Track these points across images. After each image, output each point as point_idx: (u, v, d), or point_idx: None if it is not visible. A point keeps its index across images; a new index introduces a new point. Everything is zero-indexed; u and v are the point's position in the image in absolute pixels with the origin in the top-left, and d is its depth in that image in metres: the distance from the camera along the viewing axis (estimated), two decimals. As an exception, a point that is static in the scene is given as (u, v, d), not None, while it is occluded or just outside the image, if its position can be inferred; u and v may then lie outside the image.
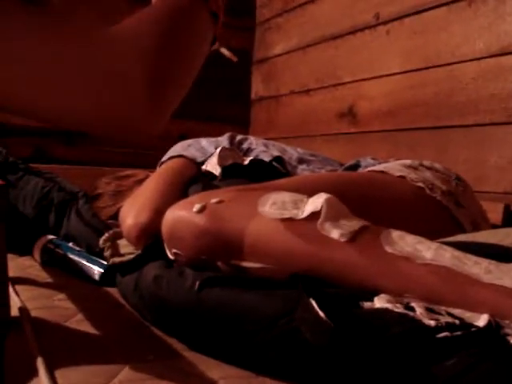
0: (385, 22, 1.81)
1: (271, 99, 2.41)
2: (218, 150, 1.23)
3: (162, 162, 1.34)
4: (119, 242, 1.18)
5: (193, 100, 2.39)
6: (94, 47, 0.63)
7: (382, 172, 1.04)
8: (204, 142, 1.38)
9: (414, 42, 1.69)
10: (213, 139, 1.39)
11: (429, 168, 1.07)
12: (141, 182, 1.38)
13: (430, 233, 0.80)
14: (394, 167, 1.05)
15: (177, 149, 1.36)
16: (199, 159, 1.29)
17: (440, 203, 0.99)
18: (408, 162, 1.09)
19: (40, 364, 0.71)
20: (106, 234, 1.19)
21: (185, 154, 1.31)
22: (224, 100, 2.44)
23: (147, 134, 0.72)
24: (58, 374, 0.68)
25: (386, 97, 1.79)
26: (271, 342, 0.69)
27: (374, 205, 0.92)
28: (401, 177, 1.02)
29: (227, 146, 1.31)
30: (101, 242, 1.19)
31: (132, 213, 1.12)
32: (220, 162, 1.19)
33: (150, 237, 1.05)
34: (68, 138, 2.15)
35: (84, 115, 0.65)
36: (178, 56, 0.72)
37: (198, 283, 0.77)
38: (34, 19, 0.61)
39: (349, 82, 1.96)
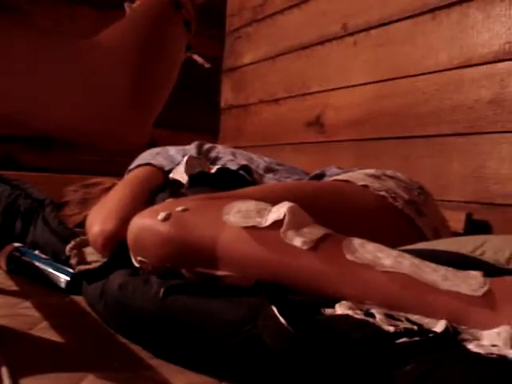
0: (352, 33, 1.84)
1: (240, 108, 2.42)
2: (186, 158, 1.24)
3: (130, 170, 1.34)
4: (85, 249, 1.18)
5: (163, 108, 2.39)
6: (78, 59, 0.64)
7: (345, 181, 1.06)
8: (172, 150, 1.39)
9: (380, 54, 1.72)
10: (180, 148, 1.40)
11: (391, 177, 1.09)
12: (108, 190, 1.38)
13: (393, 241, 0.82)
14: (358, 176, 1.07)
15: (145, 156, 1.36)
16: (167, 167, 1.30)
17: (402, 212, 1.01)
18: (371, 171, 1.11)
19: (4, 373, 0.70)
20: (73, 242, 1.19)
21: (153, 162, 1.32)
22: (194, 108, 2.45)
23: (134, 143, 0.72)
24: (23, 382, 0.68)
25: (353, 107, 1.82)
26: (235, 348, 0.70)
27: (337, 213, 0.94)
28: (364, 186, 1.03)
29: (195, 154, 1.32)
30: (67, 249, 1.19)
31: (98, 220, 1.12)
32: (187, 171, 1.20)
33: (116, 245, 1.05)
34: (37, 144, 2.13)
35: (70, 125, 0.66)
36: (158, 65, 0.73)
37: (162, 290, 0.78)
38: (19, 32, 0.62)
39: (317, 92, 1.99)
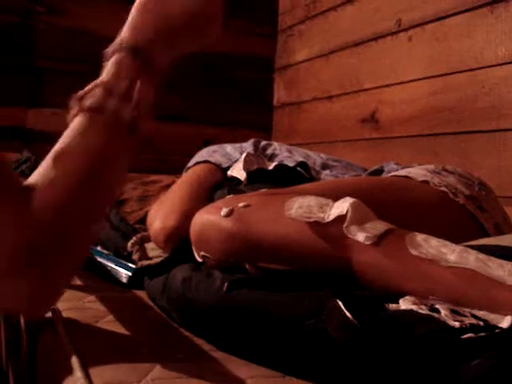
0: (406, 29, 1.82)
1: (293, 105, 2.42)
2: (244, 155, 1.25)
3: (188, 168, 1.37)
4: (147, 245, 1.21)
5: (216, 106, 2.42)
6: None
7: (405, 177, 1.05)
8: (229, 147, 1.40)
9: (436, 49, 1.70)
10: (237, 145, 1.42)
11: (452, 172, 1.08)
12: (167, 187, 1.41)
13: (454, 237, 0.81)
14: (418, 172, 1.06)
15: (202, 154, 1.38)
16: (224, 165, 1.31)
17: (463, 207, 1.00)
18: (431, 166, 1.10)
19: (75, 362, 0.73)
20: (134, 238, 1.22)
21: (210, 159, 1.34)
22: (247, 107, 2.47)
23: (32, 312, 0.64)
24: (92, 372, 0.70)
25: (409, 103, 1.80)
26: (299, 342, 0.70)
27: (397, 209, 0.94)
28: (424, 181, 1.03)
29: (252, 151, 1.33)
30: (129, 245, 1.22)
31: (160, 217, 1.14)
32: (245, 167, 1.21)
33: (177, 241, 1.07)
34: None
35: None
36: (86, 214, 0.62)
37: (226, 285, 0.79)
38: None
39: (371, 89, 1.97)
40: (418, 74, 1.77)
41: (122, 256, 1.28)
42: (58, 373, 0.75)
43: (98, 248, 1.37)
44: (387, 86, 1.90)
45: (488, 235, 1.00)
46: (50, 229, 0.57)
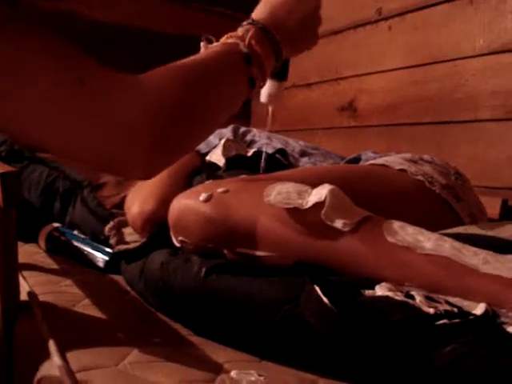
0: (386, 18, 1.83)
1: (272, 92, 2.42)
2: (223, 141, 1.25)
3: None
4: (124, 230, 1.20)
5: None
6: (99, 95, 0.62)
7: (382, 165, 1.06)
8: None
9: (416, 38, 1.70)
10: (217, 131, 1.41)
11: (428, 162, 1.09)
12: None
13: (430, 225, 0.82)
14: (395, 160, 1.07)
15: None
16: (203, 150, 1.31)
17: (439, 196, 1.01)
18: (408, 155, 1.11)
19: (52, 346, 0.73)
20: (112, 223, 1.21)
21: None
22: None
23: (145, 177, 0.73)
24: (70, 355, 0.70)
25: (387, 92, 1.81)
26: (275, 326, 0.71)
27: (375, 197, 0.94)
28: (401, 170, 1.04)
29: (231, 137, 1.33)
30: (106, 229, 1.21)
31: (137, 201, 1.14)
32: (224, 153, 1.21)
33: (155, 226, 1.07)
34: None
35: (84, 154, 0.66)
36: (199, 113, 0.72)
37: (204, 270, 0.80)
38: (33, 46, 0.60)
39: (350, 77, 1.98)
40: (398, 63, 1.78)
41: (99, 240, 1.27)
42: (35, 358, 0.75)
43: (75, 232, 1.36)
44: (366, 74, 1.91)
45: (463, 224, 1.01)
46: (170, 113, 0.67)
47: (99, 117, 0.62)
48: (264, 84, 0.85)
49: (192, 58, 0.74)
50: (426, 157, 1.12)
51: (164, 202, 1.00)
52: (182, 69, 0.71)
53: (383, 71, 1.83)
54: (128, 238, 1.17)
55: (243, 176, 0.98)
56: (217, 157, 1.23)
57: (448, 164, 1.13)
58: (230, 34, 0.80)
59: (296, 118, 2.25)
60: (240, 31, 0.80)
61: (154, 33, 2.29)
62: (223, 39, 0.80)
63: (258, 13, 0.85)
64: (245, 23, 0.82)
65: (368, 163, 1.12)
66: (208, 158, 1.27)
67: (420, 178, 1.02)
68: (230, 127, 1.42)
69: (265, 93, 0.97)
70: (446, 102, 1.59)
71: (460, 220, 1.02)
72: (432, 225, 0.85)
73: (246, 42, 0.78)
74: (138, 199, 1.14)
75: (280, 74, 0.95)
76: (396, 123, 1.77)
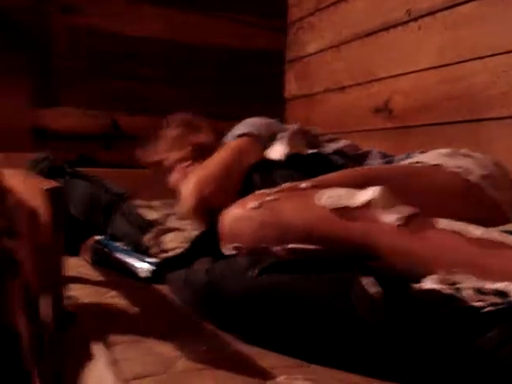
0: (416, 18, 1.82)
1: (305, 98, 2.43)
2: (289, 132, 1.26)
3: (238, 136, 1.36)
4: (164, 238, 1.22)
5: (228, 101, 2.42)
6: None
7: (417, 163, 1.08)
8: (276, 126, 1.41)
9: (446, 37, 1.69)
10: (284, 127, 1.42)
11: (466, 155, 1.09)
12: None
13: (470, 215, 0.84)
14: (431, 156, 1.08)
15: (255, 124, 1.39)
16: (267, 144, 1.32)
17: (477, 186, 1.01)
18: (444, 150, 1.12)
19: (103, 354, 0.75)
20: (150, 233, 1.24)
21: (256, 134, 1.34)
22: (258, 100, 2.47)
23: None
24: (122, 364, 0.72)
25: (421, 91, 1.80)
26: (327, 322, 0.73)
27: (412, 196, 0.95)
28: (436, 165, 1.04)
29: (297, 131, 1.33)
30: (145, 239, 1.23)
31: (197, 182, 1.16)
32: (291, 145, 1.22)
33: (205, 210, 1.10)
34: (106, 142, 2.20)
35: None
36: None
37: (256, 270, 0.82)
38: None
39: (383, 78, 1.98)
40: (429, 62, 1.77)
41: (141, 251, 1.29)
42: (82, 365, 0.77)
43: (117, 244, 1.38)
44: (399, 75, 1.90)
45: (504, 213, 1.01)
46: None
47: None
48: None
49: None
50: (463, 151, 1.12)
51: (221, 189, 1.04)
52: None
53: (416, 71, 1.83)
54: (168, 245, 1.19)
55: (289, 184, 0.99)
56: (277, 152, 1.23)
57: (486, 156, 1.13)
58: None
59: (331, 122, 2.25)
60: None
61: (178, 43, 2.30)
62: None
63: None
64: None
65: (407, 162, 1.12)
66: (267, 152, 1.28)
67: (456, 169, 1.03)
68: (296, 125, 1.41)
69: None
70: (479, 99, 1.58)
71: (501, 211, 1.01)
72: (473, 214, 0.86)
73: None
74: (198, 180, 1.17)
75: None
76: (432, 123, 1.76)
